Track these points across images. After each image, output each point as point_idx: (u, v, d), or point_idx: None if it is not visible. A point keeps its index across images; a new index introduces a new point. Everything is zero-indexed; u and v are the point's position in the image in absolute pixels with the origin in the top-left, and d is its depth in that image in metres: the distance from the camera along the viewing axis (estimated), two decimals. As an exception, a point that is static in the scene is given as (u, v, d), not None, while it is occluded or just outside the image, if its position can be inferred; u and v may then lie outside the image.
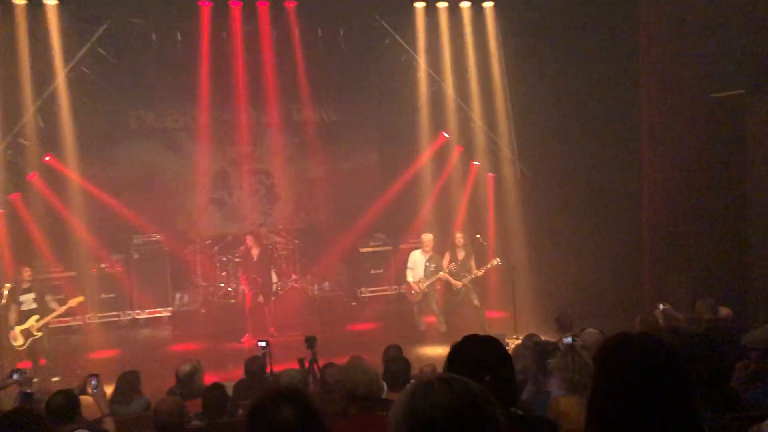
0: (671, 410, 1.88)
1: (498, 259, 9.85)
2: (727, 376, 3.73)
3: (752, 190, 8.89)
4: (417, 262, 10.36)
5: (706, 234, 9.21)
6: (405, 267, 10.59)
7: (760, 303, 8.46)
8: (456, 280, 10.04)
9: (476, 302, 9.98)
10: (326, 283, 12.07)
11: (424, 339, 9.79)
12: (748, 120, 8.79)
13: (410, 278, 10.30)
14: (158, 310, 11.19)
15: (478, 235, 10.35)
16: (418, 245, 10.64)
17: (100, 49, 10.05)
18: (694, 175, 9.18)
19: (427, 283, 10.05)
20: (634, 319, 6.43)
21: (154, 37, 10.41)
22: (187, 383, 5.54)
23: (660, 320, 6.68)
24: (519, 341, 6.42)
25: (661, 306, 6.96)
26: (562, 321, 6.84)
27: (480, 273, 9.84)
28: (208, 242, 11.75)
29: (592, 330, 5.75)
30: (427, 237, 10.22)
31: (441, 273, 10.04)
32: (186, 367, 5.62)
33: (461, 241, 10.11)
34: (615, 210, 9.89)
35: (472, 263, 10.07)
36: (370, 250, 12.21)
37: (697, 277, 9.02)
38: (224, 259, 11.58)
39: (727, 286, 8.47)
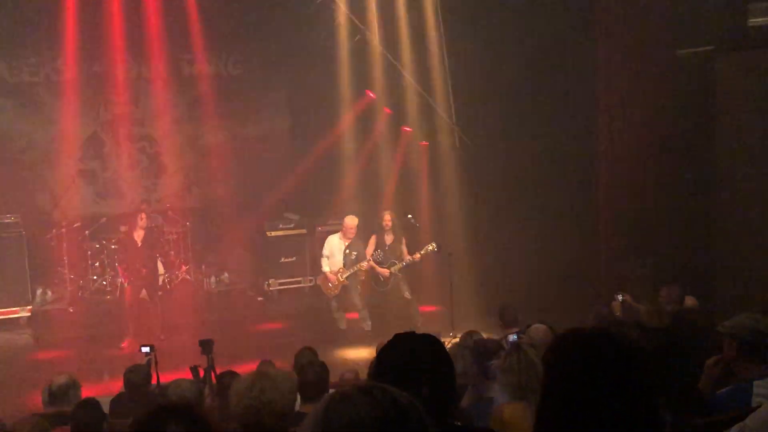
0: (631, 416, 1.92)
1: (434, 244, 9.85)
2: (694, 375, 3.81)
3: (722, 158, 8.94)
4: (334, 249, 10.41)
5: (671, 212, 9.23)
6: (321, 254, 10.64)
7: (729, 291, 8.54)
8: (384, 268, 10.09)
9: (407, 294, 10.05)
10: (226, 275, 12.07)
11: (345, 339, 9.86)
12: (718, 79, 8.88)
13: (326, 268, 10.34)
14: (14, 309, 10.84)
15: (410, 216, 10.38)
16: (339, 228, 10.68)
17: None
18: (657, 145, 9.23)
19: (347, 273, 10.10)
20: (588, 312, 6.64)
21: (5, -29, 10.06)
22: (61, 399, 5.34)
23: (617, 313, 6.90)
24: (457, 340, 6.47)
25: (619, 297, 7.15)
26: (505, 316, 6.90)
27: (416, 258, 9.87)
28: (76, 225, 11.45)
29: (540, 326, 5.83)
30: (352, 221, 10.22)
31: (364, 262, 10.09)
32: (61, 379, 5.45)
33: (390, 222, 10.14)
34: (567, 186, 9.99)
35: (403, 248, 10.10)
36: (279, 233, 12.14)
37: (660, 263, 9.09)
38: (97, 245, 11.39)
39: (694, 273, 8.56)
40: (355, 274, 10.24)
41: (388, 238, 10.20)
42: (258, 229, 12.28)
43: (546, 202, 10.02)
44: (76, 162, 12.07)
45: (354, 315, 10.45)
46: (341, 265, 10.23)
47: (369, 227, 10.64)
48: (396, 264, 10.02)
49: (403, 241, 10.15)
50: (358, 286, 10.32)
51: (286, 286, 12.20)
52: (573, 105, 9.77)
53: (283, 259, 12.16)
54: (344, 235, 10.30)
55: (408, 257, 9.93)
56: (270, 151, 12.73)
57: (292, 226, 12.30)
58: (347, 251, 10.23)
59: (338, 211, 11.43)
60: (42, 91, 11.92)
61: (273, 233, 12.22)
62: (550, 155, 10.08)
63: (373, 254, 10.10)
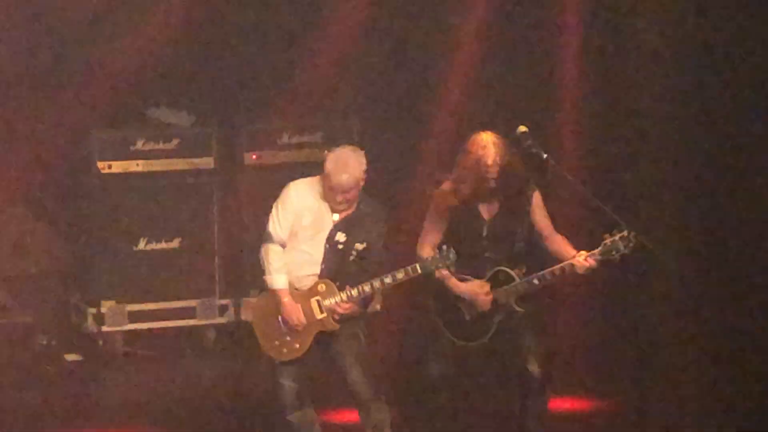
0: None
1: (626, 234, 5.24)
2: None
3: None
4: (303, 225, 5.59)
5: None
6: (260, 242, 5.73)
7: None
8: (466, 279, 5.52)
9: (533, 363, 5.51)
10: None
11: None
12: None
13: (280, 281, 5.41)
14: None
15: (524, 130, 5.59)
16: (305, 168, 6.46)
17: None
18: None
19: (341, 300, 5.39)
20: None
21: None
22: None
23: None
24: None
25: None
26: None
27: (584, 263, 5.20)
28: None
29: None
30: (347, 173, 5.47)
31: (396, 274, 5.32)
32: None
33: (494, 142, 5.47)
34: None
35: (541, 222, 5.60)
36: (134, 168, 7.44)
37: None
38: None
39: None
40: (363, 299, 5.38)
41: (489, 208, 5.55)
42: (74, 155, 7.59)
43: None
44: None
45: (347, 414, 5.98)
46: (317, 269, 5.43)
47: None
48: (514, 276, 5.40)
49: (536, 202, 5.43)
50: (359, 333, 5.52)
51: (148, 325, 7.31)
52: None
53: (143, 245, 7.35)
54: (328, 193, 5.44)
55: (572, 253, 5.23)
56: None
57: (173, 146, 7.48)
58: (338, 237, 5.45)
59: (309, 108, 7.34)
60: None
61: (116, 166, 7.48)
62: None
63: (436, 253, 5.30)
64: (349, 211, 5.23)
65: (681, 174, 7.59)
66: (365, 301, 5.37)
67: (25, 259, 7.27)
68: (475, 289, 5.24)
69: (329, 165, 5.19)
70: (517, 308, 5.24)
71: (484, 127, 5.79)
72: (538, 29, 8.02)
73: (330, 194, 5.22)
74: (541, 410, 5.42)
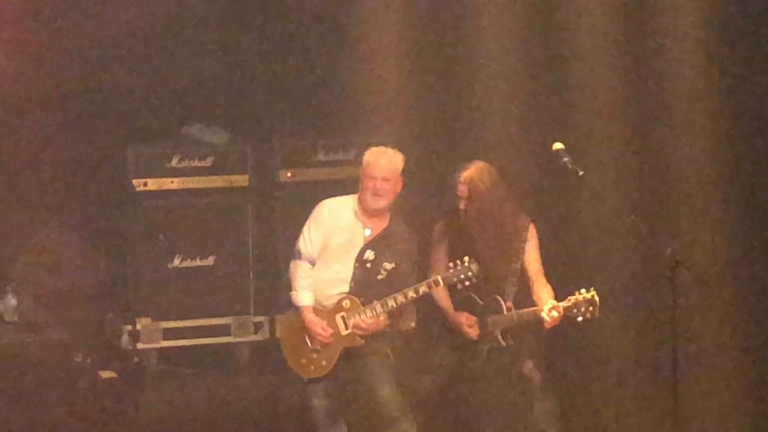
0: None
1: (589, 298, 5.16)
2: None
3: None
4: (335, 242, 5.68)
5: None
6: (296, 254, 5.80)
7: None
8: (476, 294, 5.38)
9: (534, 375, 5.69)
10: (12, 301, 7.08)
11: None
12: None
13: (305, 298, 5.52)
14: None
15: (560, 147, 5.59)
16: (339, 186, 6.48)
17: None
18: None
19: (367, 315, 5.38)
20: None
21: None
22: None
23: None
24: None
25: None
26: None
27: (548, 317, 5.12)
28: None
29: None
30: (385, 157, 5.47)
31: (419, 286, 5.40)
32: None
33: (477, 166, 5.58)
34: None
35: (529, 252, 5.42)
36: (169, 185, 7.36)
37: None
38: None
39: None
40: (391, 315, 5.40)
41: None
42: (110, 172, 7.57)
43: None
44: None
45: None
46: (345, 288, 5.43)
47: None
48: (503, 311, 5.34)
49: (530, 237, 5.50)
50: (387, 349, 5.50)
51: (182, 342, 7.27)
52: None
53: (178, 262, 7.27)
54: (365, 209, 5.47)
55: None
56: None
57: (208, 163, 7.42)
58: (367, 255, 5.45)
59: (344, 126, 7.15)
60: None
61: (151, 184, 7.42)
62: None
63: (454, 267, 5.19)
64: (381, 227, 5.23)
65: (723, 190, 7.45)
66: (391, 316, 5.30)
67: (59, 276, 7.04)
68: (461, 320, 5.19)
69: (368, 155, 5.23)
70: (502, 341, 5.11)
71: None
72: (572, 44, 8.09)
73: (367, 186, 5.15)
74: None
